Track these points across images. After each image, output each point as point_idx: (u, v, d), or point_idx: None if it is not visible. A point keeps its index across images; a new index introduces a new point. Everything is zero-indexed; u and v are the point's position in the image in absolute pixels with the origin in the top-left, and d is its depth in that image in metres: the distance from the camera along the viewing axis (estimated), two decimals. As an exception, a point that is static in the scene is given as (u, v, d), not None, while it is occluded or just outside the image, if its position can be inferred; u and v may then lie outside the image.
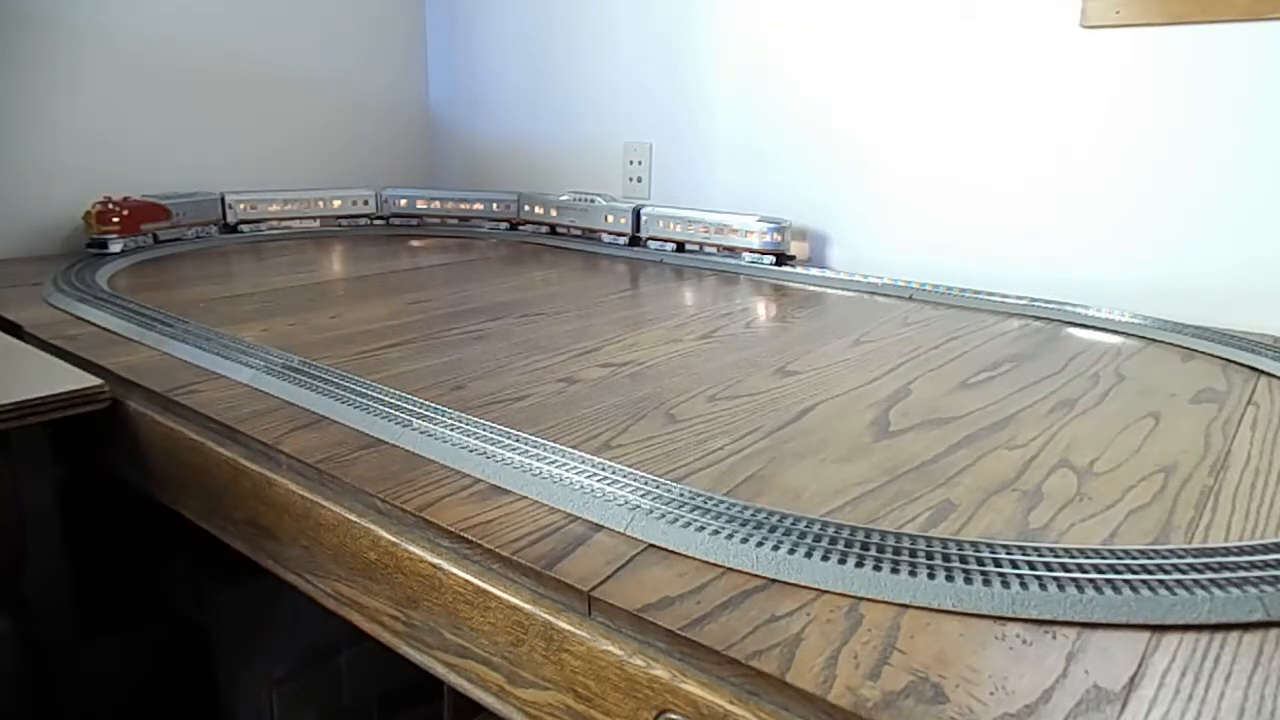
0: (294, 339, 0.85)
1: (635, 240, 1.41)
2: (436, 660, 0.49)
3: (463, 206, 1.58)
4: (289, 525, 0.57)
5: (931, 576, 0.42)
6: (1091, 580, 0.42)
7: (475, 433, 0.59)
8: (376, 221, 1.58)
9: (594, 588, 0.42)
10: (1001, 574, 0.42)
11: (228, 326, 0.88)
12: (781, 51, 1.31)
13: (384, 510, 0.51)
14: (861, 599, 0.42)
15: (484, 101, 1.74)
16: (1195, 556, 0.45)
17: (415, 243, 1.49)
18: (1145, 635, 0.40)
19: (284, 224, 1.49)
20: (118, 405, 0.70)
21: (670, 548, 0.46)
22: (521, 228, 1.57)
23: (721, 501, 0.49)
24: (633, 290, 1.15)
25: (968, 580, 0.42)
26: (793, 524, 0.47)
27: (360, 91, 1.69)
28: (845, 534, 0.46)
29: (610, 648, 0.40)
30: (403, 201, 1.58)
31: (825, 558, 0.44)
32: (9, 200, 1.25)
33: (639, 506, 0.48)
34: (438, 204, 1.59)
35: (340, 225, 1.54)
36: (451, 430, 0.59)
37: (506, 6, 1.66)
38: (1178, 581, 0.42)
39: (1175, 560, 0.44)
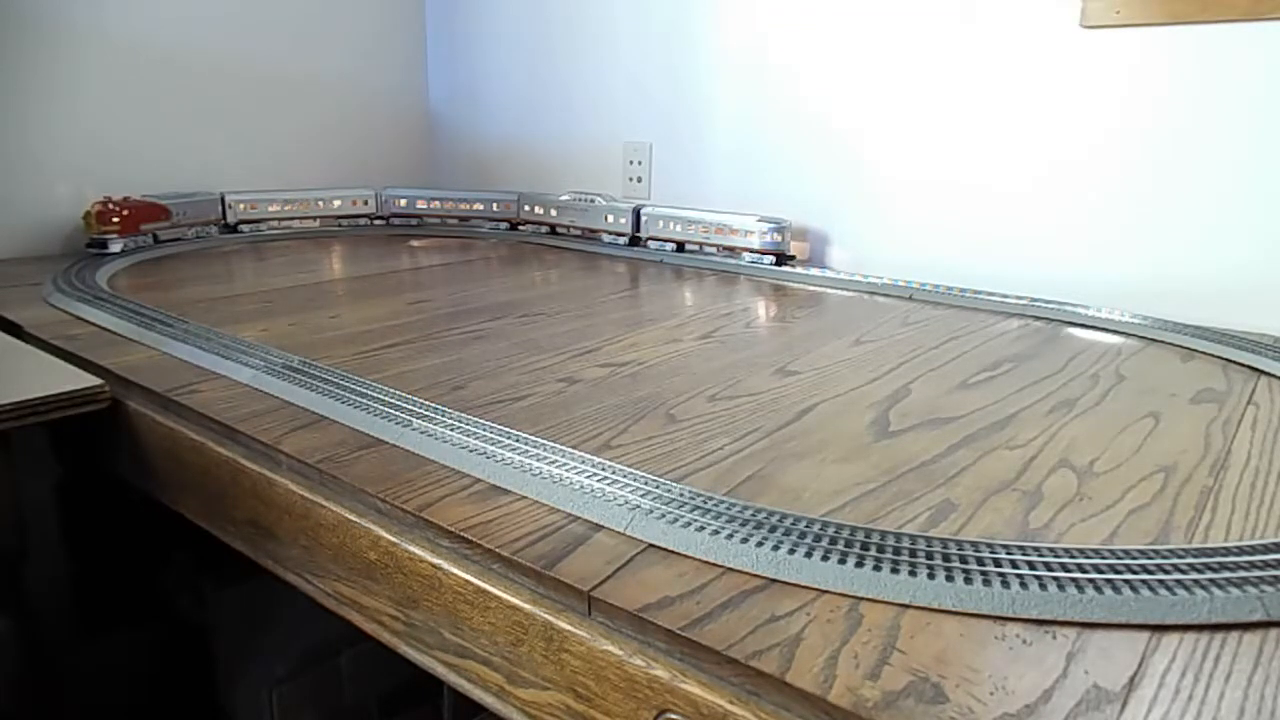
0: (294, 339, 0.85)
1: (635, 240, 1.41)
2: (436, 660, 0.49)
3: (463, 206, 1.58)
4: (289, 525, 0.57)
5: (931, 576, 0.42)
6: (1091, 580, 0.42)
7: (475, 433, 0.59)
8: (376, 221, 1.58)
9: (594, 588, 0.42)
10: (1001, 574, 0.42)
11: (228, 326, 0.88)
12: (781, 51, 1.31)
13: (384, 510, 0.51)
14: (861, 599, 0.42)
15: (484, 101, 1.74)
16: (1195, 556, 0.45)
17: (415, 243, 1.49)
18: (1145, 635, 0.40)
19: (284, 224, 1.49)
20: (118, 405, 0.70)
21: (670, 548, 0.46)
22: (521, 228, 1.57)
23: (721, 501, 0.49)
24: (633, 290, 1.15)
25: (968, 580, 0.42)
26: (793, 524, 0.47)
27: (361, 91, 1.69)
28: (845, 534, 0.46)
29: (610, 648, 0.40)
30: (403, 201, 1.58)
31: (825, 558, 0.44)
32: (9, 200, 1.25)
33: (639, 506, 0.48)
34: (438, 204, 1.59)
35: (340, 225, 1.54)
36: (451, 430, 0.59)
37: (506, 7, 1.66)
38: (1178, 581, 0.42)
39: (1175, 560, 0.44)
